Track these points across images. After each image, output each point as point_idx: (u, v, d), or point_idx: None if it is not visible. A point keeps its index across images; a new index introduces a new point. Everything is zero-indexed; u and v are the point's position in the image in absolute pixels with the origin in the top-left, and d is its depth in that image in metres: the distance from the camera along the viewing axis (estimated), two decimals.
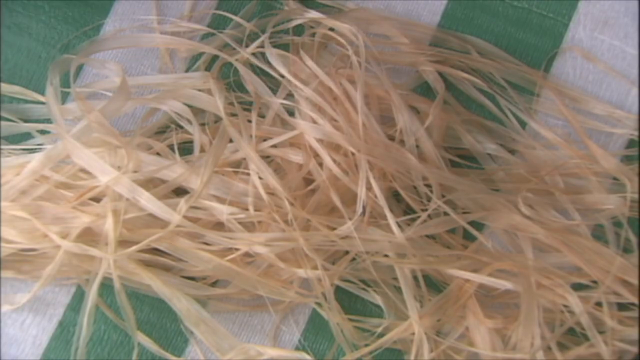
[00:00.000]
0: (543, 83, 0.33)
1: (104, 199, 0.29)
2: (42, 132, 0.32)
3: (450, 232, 0.31)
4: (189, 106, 0.31)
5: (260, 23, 0.32)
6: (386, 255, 0.29)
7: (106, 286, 0.30)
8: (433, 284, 0.31)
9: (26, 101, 0.32)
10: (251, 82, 0.32)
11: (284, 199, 0.29)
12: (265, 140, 0.31)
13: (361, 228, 0.29)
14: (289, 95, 0.32)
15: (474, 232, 0.30)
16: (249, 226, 0.30)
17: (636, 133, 0.32)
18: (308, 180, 0.30)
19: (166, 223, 0.28)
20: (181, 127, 0.31)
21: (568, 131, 0.33)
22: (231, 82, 0.33)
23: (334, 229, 0.29)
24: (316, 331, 0.31)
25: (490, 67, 0.33)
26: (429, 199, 0.29)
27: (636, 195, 0.30)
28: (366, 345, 0.29)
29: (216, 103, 0.30)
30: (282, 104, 0.31)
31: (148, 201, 0.28)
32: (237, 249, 0.29)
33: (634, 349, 0.28)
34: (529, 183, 0.30)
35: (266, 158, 0.31)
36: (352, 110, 0.30)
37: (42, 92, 0.32)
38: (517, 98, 0.32)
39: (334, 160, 0.29)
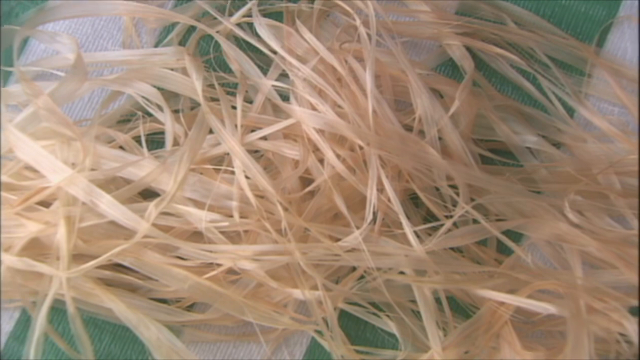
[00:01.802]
0: (595, 60, 0.33)
1: (55, 203, 0.30)
2: None
3: (481, 244, 0.31)
4: (159, 89, 0.31)
5: None
6: (402, 273, 0.30)
7: (57, 310, 0.30)
8: (459, 308, 0.31)
9: None
10: (236, 59, 0.32)
11: (277, 203, 0.29)
12: (253, 130, 0.31)
13: (371, 239, 0.29)
14: (283, 76, 0.32)
15: (510, 244, 0.30)
16: (233, 237, 0.30)
17: None
18: (306, 181, 0.31)
19: (132, 233, 0.28)
20: (150, 114, 0.32)
21: (626, 120, 0.33)
22: (211, 60, 0.33)
23: (337, 240, 0.29)
24: None
25: (530, 40, 0.33)
26: (455, 203, 0.30)
27: None
28: None
29: (193, 85, 0.30)
30: (273, 86, 0.31)
31: (109, 206, 0.28)
32: (218, 265, 0.29)
33: None
34: (578, 183, 0.31)
35: (254, 153, 0.31)
36: (360, 94, 0.30)
37: None
38: (564, 79, 0.33)
39: (338, 156, 0.30)
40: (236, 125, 0.30)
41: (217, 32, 0.32)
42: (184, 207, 0.29)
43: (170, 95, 0.32)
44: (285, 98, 0.32)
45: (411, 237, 0.29)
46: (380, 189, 0.29)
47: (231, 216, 0.29)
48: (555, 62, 0.33)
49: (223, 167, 0.30)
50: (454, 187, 0.30)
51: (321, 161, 0.30)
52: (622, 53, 0.33)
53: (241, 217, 0.29)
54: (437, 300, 0.30)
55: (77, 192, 0.28)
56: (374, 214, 0.29)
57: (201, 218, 0.29)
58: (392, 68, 0.31)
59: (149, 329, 0.29)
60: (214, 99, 0.31)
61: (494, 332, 0.29)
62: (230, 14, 0.32)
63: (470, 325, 0.29)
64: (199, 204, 0.29)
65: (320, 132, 0.30)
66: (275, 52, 0.31)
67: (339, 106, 0.30)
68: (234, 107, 0.30)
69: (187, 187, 0.29)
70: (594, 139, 0.32)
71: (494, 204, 0.31)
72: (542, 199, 0.30)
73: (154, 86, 0.31)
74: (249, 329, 0.31)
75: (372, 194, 0.28)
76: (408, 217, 0.29)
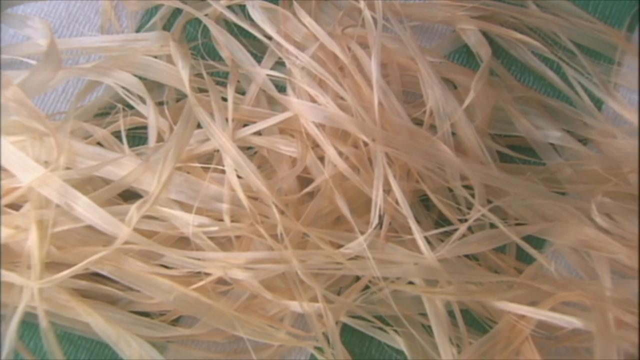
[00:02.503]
0: (626, 47, 0.33)
1: (26, 205, 0.29)
2: None
3: (499, 251, 0.31)
4: (142, 79, 0.31)
5: None
6: (411, 283, 0.30)
7: (29, 324, 0.30)
8: (475, 322, 0.31)
9: None
10: (226, 45, 0.32)
11: (272, 205, 0.29)
12: (245, 125, 0.31)
13: (377, 245, 0.29)
14: (279, 64, 0.32)
15: (532, 251, 0.30)
16: (223, 243, 0.30)
17: None
18: (304, 181, 0.31)
19: (111, 238, 0.28)
20: (131, 107, 0.31)
21: None
22: (199, 46, 0.33)
23: (339, 246, 0.29)
24: None
25: (553, 25, 0.33)
26: (470, 206, 0.29)
27: None
28: None
29: (178, 74, 0.30)
30: (268, 75, 0.31)
31: (86, 209, 0.28)
32: (207, 274, 0.29)
33: None
34: (606, 184, 0.30)
35: (247, 150, 0.31)
36: (364, 85, 0.30)
37: None
38: (591, 68, 0.33)
39: (340, 153, 0.29)
40: (227, 119, 0.30)
41: (206, 15, 0.32)
42: (169, 210, 0.29)
43: (153, 86, 0.32)
44: (281, 89, 0.31)
45: (421, 244, 0.28)
46: (387, 190, 0.29)
47: (221, 220, 0.29)
48: (582, 49, 0.33)
49: (212, 166, 0.30)
50: (469, 187, 0.30)
51: (321, 159, 0.30)
52: None
53: (232, 221, 0.29)
54: (450, 314, 0.30)
55: (50, 193, 0.28)
56: (380, 217, 0.29)
57: (188, 222, 0.29)
58: (400, 55, 0.31)
59: (130, 346, 0.29)
60: (202, 90, 0.31)
61: (514, 348, 0.29)
62: None
63: (487, 341, 0.29)
64: (185, 207, 0.29)
65: (321, 126, 0.29)
66: (270, 38, 0.31)
67: (341, 98, 0.30)
68: (225, 99, 0.30)
69: (172, 187, 0.29)
70: (624, 134, 0.32)
71: (514, 206, 0.30)
72: (566, 201, 0.30)
73: (136, 75, 0.31)
74: (241, 345, 0.31)
75: (378, 196, 0.28)
76: (418, 221, 0.29)
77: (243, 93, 0.31)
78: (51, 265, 0.29)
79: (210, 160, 0.30)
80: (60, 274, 0.28)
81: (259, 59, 0.32)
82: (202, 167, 0.30)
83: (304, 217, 0.29)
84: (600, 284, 0.30)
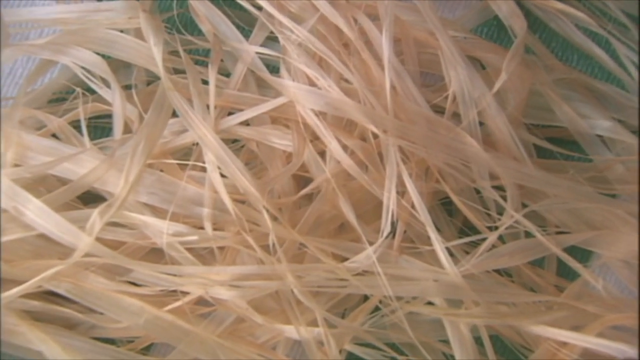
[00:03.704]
0: None
1: None
2: None
3: (536, 266, 0.31)
4: (105, 57, 0.31)
5: None
6: (430, 303, 0.29)
7: None
8: (507, 350, 0.31)
9: None
10: (208, 17, 0.31)
11: (262, 210, 0.28)
12: (231, 113, 0.30)
13: (389, 258, 0.29)
14: (271, 40, 0.32)
15: (575, 265, 0.30)
16: (204, 255, 0.30)
17: None
18: (302, 180, 0.30)
19: (69, 250, 0.28)
20: (92, 91, 0.31)
21: None
22: (175, 18, 0.33)
23: (343, 259, 0.29)
24: None
25: None
26: (501, 211, 0.29)
27: None
28: None
29: (150, 52, 0.30)
30: (258, 53, 0.31)
31: (38, 214, 0.28)
32: (184, 293, 0.29)
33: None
34: None
35: (233, 143, 0.31)
36: (373, 65, 0.29)
37: None
38: None
39: (345, 147, 0.29)
40: (208, 106, 0.29)
41: None
42: (139, 216, 0.29)
43: (119, 66, 0.31)
44: (273, 69, 0.31)
45: (442, 256, 0.28)
46: (401, 192, 0.29)
47: (201, 228, 0.29)
48: (635, 22, 0.33)
49: (191, 162, 0.29)
50: (499, 188, 0.29)
51: (322, 154, 0.30)
52: None
53: (215, 229, 0.29)
54: (477, 340, 0.29)
55: None
56: (393, 224, 0.28)
57: (161, 230, 0.28)
58: (417, 29, 0.31)
59: None
60: (179, 71, 0.30)
61: None
62: None
63: None
64: (158, 212, 0.29)
65: (321, 115, 0.29)
66: (260, 8, 0.31)
67: (346, 80, 0.29)
68: (205, 82, 0.30)
69: (142, 188, 0.29)
70: None
71: (554, 211, 0.30)
72: (617, 205, 0.30)
73: (98, 53, 0.31)
74: None
75: (390, 198, 0.28)
76: (438, 229, 0.29)
77: (228, 75, 0.31)
78: None
79: (188, 155, 0.30)
80: (8, 293, 0.28)
81: (246, 34, 0.32)
82: (179, 164, 0.30)
83: (301, 224, 0.29)
84: None
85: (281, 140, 0.30)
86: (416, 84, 0.29)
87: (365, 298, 0.30)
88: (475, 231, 0.30)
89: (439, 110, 0.30)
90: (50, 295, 0.29)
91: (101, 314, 0.29)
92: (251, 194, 0.28)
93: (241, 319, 0.29)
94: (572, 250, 0.30)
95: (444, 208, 0.31)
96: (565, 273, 0.31)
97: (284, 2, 0.31)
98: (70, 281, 0.29)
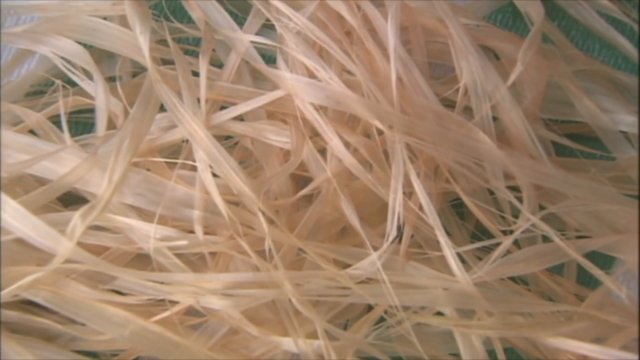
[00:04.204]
0: None
1: None
2: None
3: (555, 273, 0.31)
4: (87, 47, 0.31)
5: None
6: (439, 314, 0.29)
7: None
8: None
9: None
10: (198, 3, 0.31)
11: (258, 212, 0.28)
12: (223, 107, 0.30)
13: (395, 265, 0.29)
14: (267, 28, 0.32)
15: (597, 273, 0.29)
16: (195, 262, 0.30)
17: None
18: (300, 180, 0.30)
19: (48, 256, 0.28)
20: (74, 84, 0.31)
21: None
22: (163, 4, 0.33)
23: (346, 266, 0.29)
24: None
25: None
26: (517, 213, 0.29)
27: None
28: None
29: (135, 41, 0.30)
30: (253, 42, 0.31)
31: (15, 217, 0.28)
32: (173, 303, 0.29)
33: None
34: None
35: (226, 140, 0.31)
36: (378, 55, 0.29)
37: None
38: None
39: (347, 144, 0.29)
40: (199, 100, 0.29)
41: None
42: (123, 219, 0.28)
43: (102, 56, 0.31)
44: (270, 60, 0.31)
45: (453, 262, 0.28)
46: (408, 193, 0.28)
47: (192, 232, 0.29)
48: None
49: (180, 161, 0.29)
50: (515, 189, 0.29)
51: (322, 152, 0.30)
52: None
53: (206, 233, 0.29)
54: (491, 354, 0.29)
55: None
56: (399, 228, 0.28)
57: (148, 234, 0.28)
58: (425, 16, 0.31)
59: None
60: (167, 62, 0.30)
61: None
62: None
63: None
64: (145, 214, 0.29)
65: (321, 109, 0.29)
66: None
67: (348, 72, 0.29)
68: (196, 74, 0.30)
69: (127, 189, 0.29)
70: None
71: (573, 213, 0.30)
72: None
73: (79, 43, 0.31)
74: None
75: (396, 200, 0.28)
76: (448, 233, 0.29)
77: (220, 66, 0.31)
78: None
79: (177, 153, 0.30)
80: None
81: (240, 21, 0.32)
82: (167, 163, 0.29)
83: (300, 227, 0.29)
84: None
85: (278, 136, 0.30)
86: (424, 75, 0.29)
87: (370, 308, 0.30)
88: (489, 235, 0.30)
89: (449, 104, 0.30)
90: (28, 305, 0.29)
91: (83, 325, 0.29)
92: (246, 195, 0.28)
93: (235, 331, 0.29)
94: (593, 256, 0.29)
95: (454, 210, 0.31)
96: (586, 281, 0.31)
97: None
98: (50, 289, 0.28)
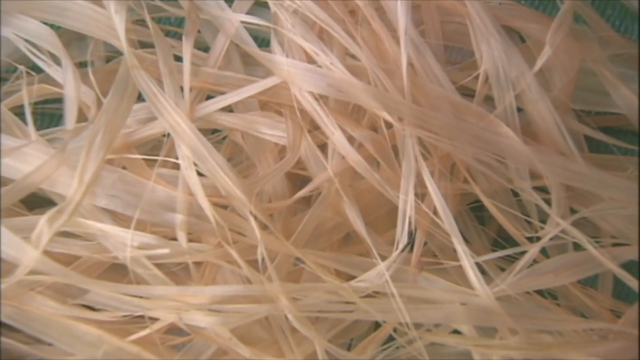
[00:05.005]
0: None
1: None
2: None
3: (587, 285, 0.31)
4: (55, 28, 0.31)
5: None
6: (456, 332, 0.29)
7: None
8: None
9: None
10: None
11: (249, 216, 0.28)
12: (210, 97, 0.30)
13: (406, 276, 0.29)
14: (260, 6, 0.32)
15: (635, 285, 0.29)
16: (177, 273, 0.30)
17: None
18: (298, 180, 0.30)
19: (11, 266, 0.28)
20: (40, 70, 0.31)
21: None
22: None
23: (350, 278, 0.29)
24: None
25: None
26: (544, 218, 0.29)
27: None
28: None
29: (110, 22, 0.29)
30: (243, 23, 0.31)
31: None
32: (153, 320, 0.28)
33: None
34: None
35: (213, 134, 0.31)
36: (387, 37, 0.29)
37: None
38: None
39: (351, 139, 0.29)
40: (182, 88, 0.29)
41: None
42: (96, 224, 0.28)
43: (72, 39, 0.31)
44: (263, 43, 0.31)
45: (472, 274, 0.28)
46: (421, 194, 0.28)
47: (174, 239, 0.29)
48: None
49: (160, 158, 0.29)
50: (543, 190, 0.29)
51: (323, 148, 0.30)
52: None
53: (190, 240, 0.29)
54: None
55: None
56: (411, 235, 0.28)
57: (124, 242, 0.28)
58: None
59: None
60: (146, 45, 0.30)
61: None
62: None
63: None
64: (120, 219, 0.29)
65: (322, 99, 0.29)
66: None
67: (352, 56, 0.29)
68: (179, 58, 0.30)
69: (100, 190, 0.29)
70: None
71: (609, 218, 0.30)
72: None
73: (46, 23, 0.30)
74: None
75: (407, 203, 0.28)
76: (466, 240, 0.29)
77: (206, 49, 0.31)
78: None
79: (157, 149, 0.30)
80: None
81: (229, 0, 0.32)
82: (146, 160, 0.29)
83: (297, 234, 0.29)
84: None
85: (272, 130, 0.30)
86: (439, 60, 0.29)
87: (377, 326, 0.30)
88: (513, 243, 0.29)
89: (467, 93, 0.30)
90: None
91: (50, 345, 0.29)
92: (235, 197, 0.28)
93: (223, 351, 0.29)
94: (631, 267, 0.29)
95: (473, 214, 0.31)
96: (623, 294, 0.31)
97: None
98: (13, 304, 0.28)
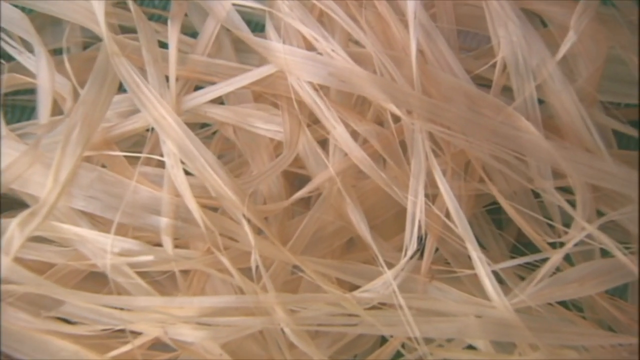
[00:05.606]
0: None
1: None
2: None
3: (615, 296, 0.31)
4: (27, 11, 0.31)
5: None
6: (471, 347, 0.29)
7: None
8: None
9: None
10: None
11: (242, 219, 0.28)
12: (199, 88, 0.30)
13: (415, 286, 0.29)
14: None
15: None
16: (162, 282, 0.30)
17: None
18: (296, 180, 0.31)
19: None
20: (10, 58, 0.31)
21: None
22: None
23: (353, 288, 0.29)
24: None
25: None
26: (568, 221, 0.29)
27: None
28: None
29: (88, 4, 0.29)
30: (235, 5, 0.31)
31: None
32: (135, 334, 0.28)
33: None
34: None
35: (202, 129, 0.31)
36: (394, 22, 0.29)
37: None
38: None
39: (354, 134, 0.29)
40: (167, 78, 0.29)
41: None
42: (73, 228, 0.28)
43: (46, 23, 0.32)
44: (257, 28, 0.31)
45: (488, 283, 0.28)
46: (432, 195, 0.28)
47: (158, 245, 0.29)
48: None
49: (144, 155, 0.29)
50: (566, 191, 0.29)
51: (323, 144, 0.30)
52: None
53: (177, 246, 0.29)
54: None
55: None
56: (420, 240, 0.28)
57: (104, 248, 0.28)
58: None
59: None
60: (127, 30, 0.30)
61: None
62: None
63: None
64: (99, 223, 0.29)
65: (322, 90, 0.29)
66: None
67: (356, 42, 0.29)
68: (164, 45, 0.30)
69: (77, 190, 0.29)
70: None
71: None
72: None
73: (16, 6, 0.30)
74: None
75: (416, 205, 0.28)
76: (482, 246, 0.29)
77: (194, 35, 0.31)
78: None
79: (140, 145, 0.30)
80: None
81: None
82: (127, 157, 0.29)
83: (295, 239, 0.29)
84: None
85: (267, 124, 0.30)
86: (452, 47, 0.29)
87: (383, 341, 0.30)
88: (533, 249, 0.29)
89: (483, 83, 0.30)
90: None
91: None
92: (226, 198, 0.28)
93: None
94: None
95: (490, 218, 0.31)
96: None
97: None
98: None
